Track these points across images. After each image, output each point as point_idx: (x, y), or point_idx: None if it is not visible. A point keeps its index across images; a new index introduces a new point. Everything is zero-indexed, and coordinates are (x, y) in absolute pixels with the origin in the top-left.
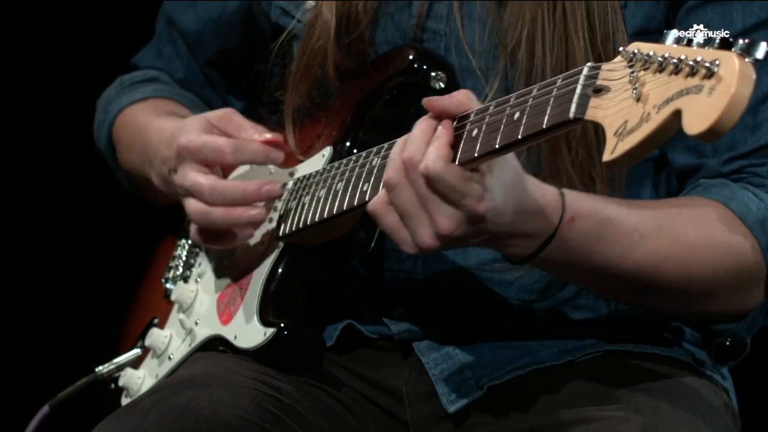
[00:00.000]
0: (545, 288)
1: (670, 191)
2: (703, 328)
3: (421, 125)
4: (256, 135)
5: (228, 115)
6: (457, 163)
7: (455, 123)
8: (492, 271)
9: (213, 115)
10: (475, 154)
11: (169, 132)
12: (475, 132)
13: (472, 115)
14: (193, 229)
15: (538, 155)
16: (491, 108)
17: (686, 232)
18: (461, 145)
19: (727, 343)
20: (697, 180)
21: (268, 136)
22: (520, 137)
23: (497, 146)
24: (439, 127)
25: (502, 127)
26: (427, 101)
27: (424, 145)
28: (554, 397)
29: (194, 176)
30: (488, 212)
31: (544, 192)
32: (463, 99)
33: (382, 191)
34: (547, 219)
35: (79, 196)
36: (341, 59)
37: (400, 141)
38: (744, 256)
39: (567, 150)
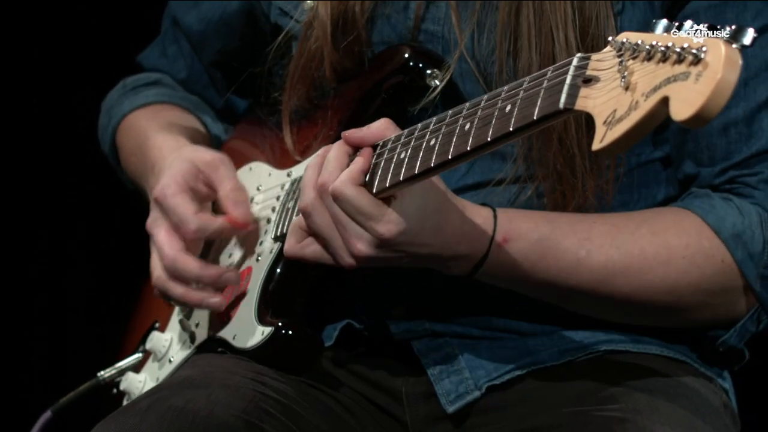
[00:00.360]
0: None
1: (671, 195)
2: (697, 335)
3: (335, 150)
4: (229, 202)
5: (216, 164)
6: (374, 191)
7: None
8: None
9: (202, 160)
10: (386, 185)
11: (162, 159)
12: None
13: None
14: (155, 292)
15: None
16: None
17: (642, 247)
18: (378, 173)
19: (720, 350)
20: (689, 188)
21: (240, 216)
22: (511, 129)
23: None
24: (357, 156)
25: (494, 120)
26: (345, 135)
27: (337, 170)
28: (553, 397)
29: (162, 237)
30: (396, 236)
31: (474, 212)
32: (381, 128)
33: (288, 237)
34: (476, 241)
35: (80, 196)
36: (338, 60)
37: (311, 167)
38: (711, 270)
39: (559, 145)
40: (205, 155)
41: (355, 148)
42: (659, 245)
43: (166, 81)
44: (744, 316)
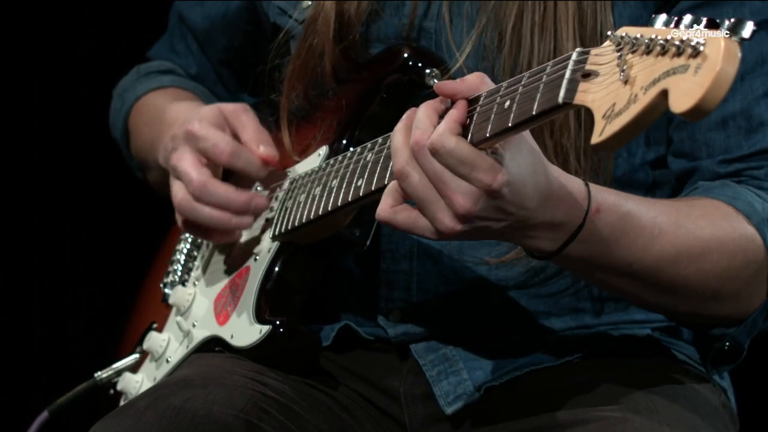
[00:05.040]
0: (543, 289)
1: (668, 197)
2: (701, 333)
3: (425, 109)
4: (253, 144)
5: (238, 111)
6: (468, 140)
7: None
8: (488, 266)
9: (227, 107)
10: (487, 134)
11: (184, 115)
12: (487, 112)
13: (482, 98)
14: (178, 218)
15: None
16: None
17: (701, 227)
18: (472, 126)
19: (726, 347)
20: (695, 183)
21: (267, 153)
22: (510, 125)
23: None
24: (452, 108)
25: (493, 116)
26: (439, 85)
27: (430, 127)
28: (552, 398)
29: (188, 164)
30: (503, 187)
31: (568, 179)
32: (475, 81)
33: (384, 198)
34: (574, 207)
35: (78, 197)
36: (337, 59)
37: (399, 130)
38: (752, 254)
39: (552, 142)
40: (227, 105)
41: (444, 105)
42: (713, 227)
43: (178, 71)
44: (753, 311)
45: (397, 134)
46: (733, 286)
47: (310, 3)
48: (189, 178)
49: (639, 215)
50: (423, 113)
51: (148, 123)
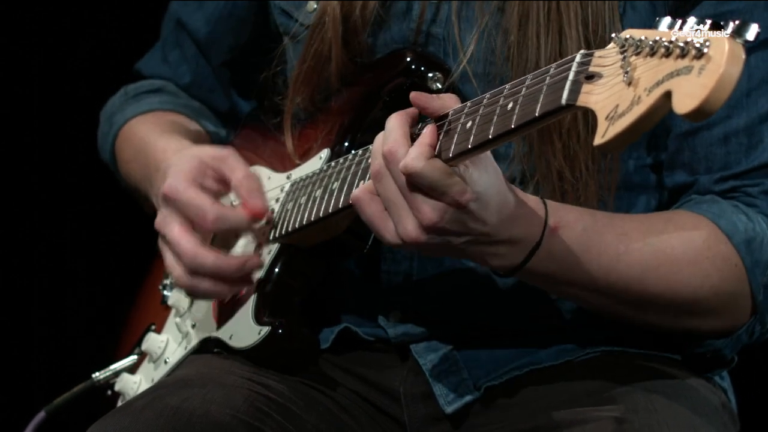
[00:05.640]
0: (543, 289)
1: (662, 201)
2: (685, 337)
3: (397, 118)
4: (243, 190)
5: (223, 155)
6: (453, 151)
7: (436, 122)
8: (489, 269)
9: (209, 154)
10: (450, 154)
11: (164, 162)
12: (457, 128)
13: (450, 114)
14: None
15: (530, 155)
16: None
17: (672, 246)
18: (440, 144)
19: (708, 355)
20: (689, 195)
21: (256, 206)
22: (513, 126)
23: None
24: (425, 129)
25: (495, 117)
26: (414, 96)
27: (402, 137)
28: (552, 398)
29: (177, 234)
30: (470, 203)
31: (527, 197)
32: (448, 102)
33: (368, 182)
34: (531, 225)
35: (77, 198)
36: (343, 63)
37: (380, 135)
38: (728, 273)
39: (560, 144)
40: (210, 150)
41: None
42: (687, 245)
43: (168, 88)
44: (739, 328)
45: (380, 137)
46: (709, 303)
47: (315, 6)
48: (180, 249)
49: (603, 232)
50: (394, 122)
51: (134, 158)
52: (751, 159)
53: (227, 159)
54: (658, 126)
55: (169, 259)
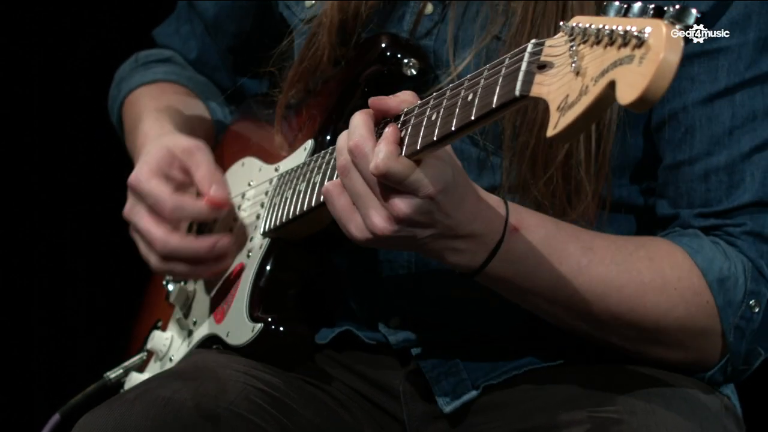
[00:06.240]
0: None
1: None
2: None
3: (360, 115)
4: (204, 183)
5: (192, 149)
6: (403, 155)
7: (402, 117)
8: None
9: (178, 146)
10: (417, 147)
11: (143, 148)
12: (423, 121)
13: (416, 107)
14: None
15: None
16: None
17: (639, 270)
18: (408, 137)
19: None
20: (674, 227)
21: (216, 195)
22: (473, 118)
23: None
24: (388, 127)
25: (457, 109)
26: (371, 103)
27: (367, 132)
28: (550, 398)
29: (146, 223)
30: (438, 194)
31: (487, 195)
32: (405, 98)
33: (337, 177)
34: (492, 221)
35: (81, 197)
36: (337, 60)
37: (344, 133)
38: (695, 308)
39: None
40: (182, 141)
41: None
42: (655, 272)
43: (176, 59)
44: (711, 367)
45: (344, 135)
46: (675, 335)
47: (313, 2)
48: (151, 236)
49: (567, 241)
50: (359, 120)
51: (131, 132)
52: (732, 198)
53: (194, 154)
54: (649, 155)
55: (143, 248)
